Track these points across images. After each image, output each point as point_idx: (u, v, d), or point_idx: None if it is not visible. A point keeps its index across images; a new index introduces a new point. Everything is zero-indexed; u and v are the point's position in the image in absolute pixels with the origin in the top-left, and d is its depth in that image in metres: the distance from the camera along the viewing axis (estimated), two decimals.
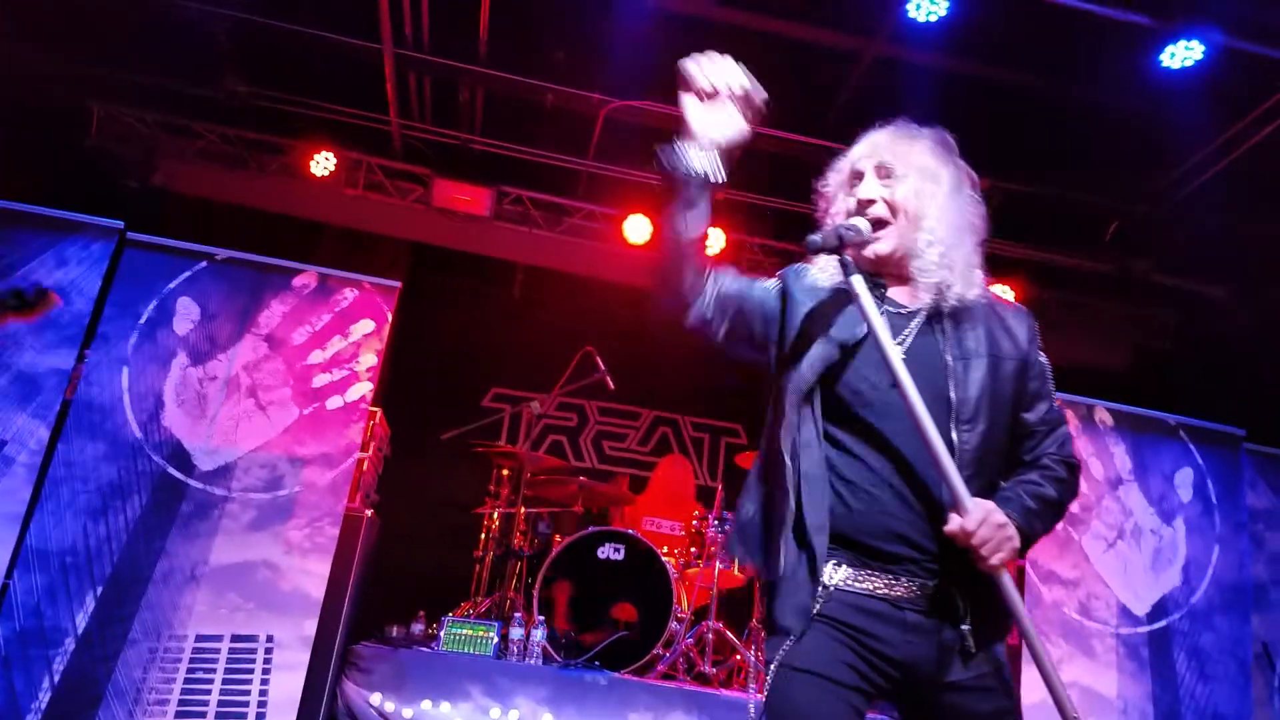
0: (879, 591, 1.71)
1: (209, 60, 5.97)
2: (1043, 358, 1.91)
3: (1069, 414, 4.70)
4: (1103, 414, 4.79)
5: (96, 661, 3.84)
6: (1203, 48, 4.59)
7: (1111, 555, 4.57)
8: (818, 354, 1.81)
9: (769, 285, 1.94)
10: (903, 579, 1.71)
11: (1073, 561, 4.51)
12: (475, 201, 6.51)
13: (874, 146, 1.91)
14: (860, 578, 1.72)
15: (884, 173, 1.88)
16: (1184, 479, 4.78)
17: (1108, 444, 4.73)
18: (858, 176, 1.91)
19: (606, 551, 4.99)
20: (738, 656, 4.95)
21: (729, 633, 4.95)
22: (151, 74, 6.11)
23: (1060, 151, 5.45)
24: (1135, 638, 4.52)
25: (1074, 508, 4.51)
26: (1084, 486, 4.62)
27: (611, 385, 5.52)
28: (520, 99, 6.04)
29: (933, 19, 4.78)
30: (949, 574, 1.72)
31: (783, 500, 1.76)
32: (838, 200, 1.96)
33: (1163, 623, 4.57)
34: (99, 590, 3.93)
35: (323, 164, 6.49)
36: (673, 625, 4.78)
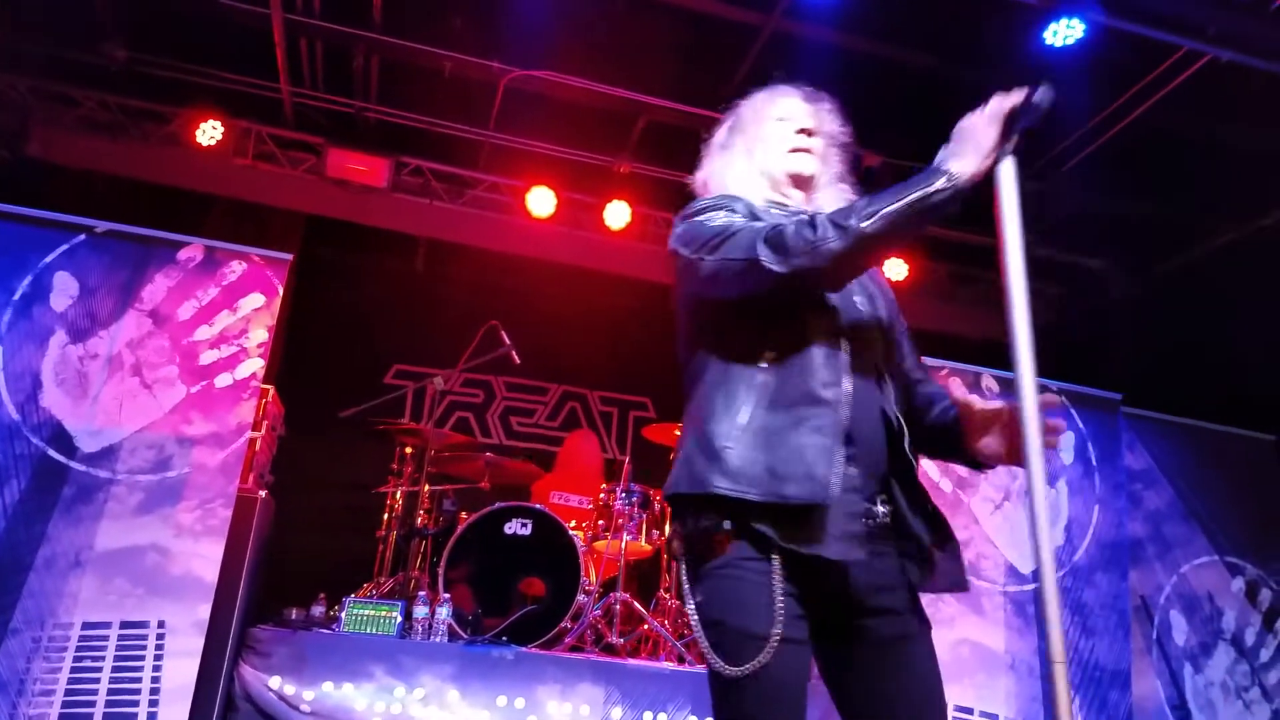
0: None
1: (85, 23, 5.66)
2: None
3: (958, 380, 4.87)
4: (989, 380, 4.97)
5: None
6: (1084, 26, 4.78)
7: (999, 516, 4.77)
8: None
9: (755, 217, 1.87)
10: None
11: (963, 523, 4.68)
12: (372, 172, 6.35)
13: (806, 107, 2.04)
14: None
15: (814, 135, 2.02)
16: (1065, 442, 5.00)
17: None
18: (791, 119, 2.01)
19: (514, 527, 4.97)
20: (645, 626, 5.01)
21: (636, 603, 5.00)
22: (23, 37, 5.76)
23: (949, 127, 5.60)
24: (1022, 595, 4.72)
25: (963, 471, 4.70)
26: None
27: (517, 360, 5.47)
28: (417, 66, 5.90)
29: None
30: (893, 497, 1.76)
31: (815, 414, 1.68)
32: (751, 130, 2.03)
33: None
34: None
35: (210, 133, 6.25)
36: (580, 598, 4.80)
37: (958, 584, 1.80)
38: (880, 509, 1.74)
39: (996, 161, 1.69)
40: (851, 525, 1.68)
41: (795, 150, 1.99)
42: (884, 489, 1.77)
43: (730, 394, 1.74)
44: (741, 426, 1.70)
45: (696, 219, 1.85)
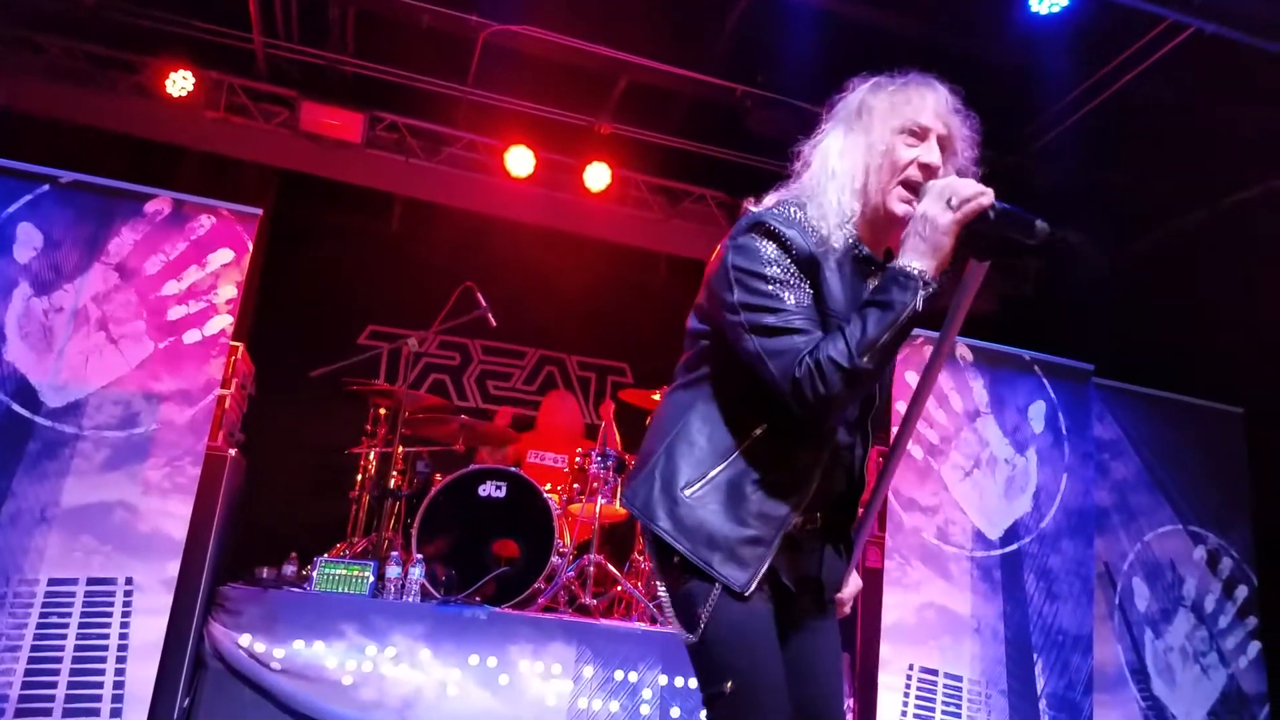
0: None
1: None
2: None
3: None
4: (963, 350, 4.98)
5: None
6: None
7: (968, 483, 4.81)
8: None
9: (803, 284, 1.78)
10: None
11: (932, 489, 4.72)
12: (346, 127, 6.23)
13: (941, 112, 1.86)
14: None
15: (944, 145, 1.86)
16: (1037, 412, 5.04)
17: (967, 378, 4.94)
18: (921, 133, 1.83)
19: (488, 489, 4.96)
20: (618, 588, 5.03)
21: (610, 565, 5.02)
22: None
23: None
24: (989, 560, 4.78)
25: (934, 439, 4.73)
26: (944, 418, 4.83)
27: (493, 322, 5.43)
28: (394, 19, 5.77)
29: None
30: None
31: (774, 506, 1.80)
32: (876, 133, 1.83)
33: (1014, 546, 4.85)
34: None
35: (180, 83, 6.10)
36: (554, 560, 4.81)
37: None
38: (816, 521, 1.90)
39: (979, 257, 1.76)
40: (778, 554, 1.81)
41: (908, 187, 1.82)
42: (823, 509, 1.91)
43: (713, 440, 1.82)
44: (706, 480, 1.80)
45: (759, 267, 1.75)
